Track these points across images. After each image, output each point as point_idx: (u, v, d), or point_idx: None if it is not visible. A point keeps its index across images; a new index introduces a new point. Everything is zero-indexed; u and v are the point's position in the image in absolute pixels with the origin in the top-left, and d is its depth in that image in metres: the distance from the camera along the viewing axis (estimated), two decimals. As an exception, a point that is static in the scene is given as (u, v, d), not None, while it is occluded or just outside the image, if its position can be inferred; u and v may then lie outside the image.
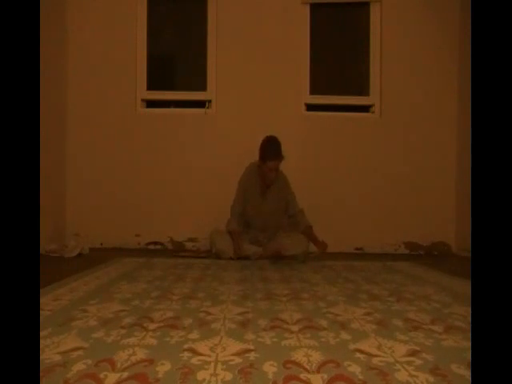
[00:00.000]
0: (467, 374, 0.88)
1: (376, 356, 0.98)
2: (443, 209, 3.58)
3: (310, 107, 3.68)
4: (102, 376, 0.84)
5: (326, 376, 0.86)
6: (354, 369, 0.90)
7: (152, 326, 1.20)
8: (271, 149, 2.78)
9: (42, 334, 1.11)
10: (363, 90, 3.72)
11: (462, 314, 1.40)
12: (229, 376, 0.85)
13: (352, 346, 1.05)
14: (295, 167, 3.39)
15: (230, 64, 3.59)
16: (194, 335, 1.12)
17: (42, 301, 1.49)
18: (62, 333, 1.13)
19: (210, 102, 3.65)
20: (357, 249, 3.57)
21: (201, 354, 0.97)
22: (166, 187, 3.59)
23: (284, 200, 2.96)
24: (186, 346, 1.03)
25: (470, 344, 1.06)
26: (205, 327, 1.20)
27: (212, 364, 0.91)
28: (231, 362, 0.92)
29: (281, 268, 2.48)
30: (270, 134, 2.88)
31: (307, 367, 0.90)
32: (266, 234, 2.99)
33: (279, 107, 3.56)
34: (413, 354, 1.00)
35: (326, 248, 2.83)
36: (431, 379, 0.85)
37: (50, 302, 1.48)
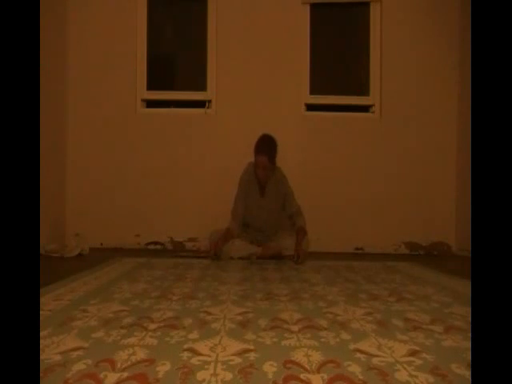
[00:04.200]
0: (467, 373, 0.88)
1: (376, 356, 0.98)
2: (443, 209, 3.58)
3: (310, 107, 3.68)
4: (101, 376, 0.84)
5: (326, 376, 0.86)
6: (354, 369, 0.89)
7: (152, 326, 1.20)
8: (259, 145, 2.84)
9: (42, 334, 1.11)
10: (363, 90, 3.72)
11: (462, 314, 1.40)
12: (229, 376, 0.85)
13: (352, 346, 1.04)
14: (295, 167, 3.40)
15: (229, 64, 3.59)
16: (194, 335, 1.12)
17: (41, 301, 1.49)
18: (62, 333, 1.13)
19: (209, 102, 3.65)
20: (357, 249, 3.57)
21: (201, 354, 0.97)
22: (166, 187, 3.59)
23: (282, 197, 2.95)
24: (186, 346, 1.03)
25: (469, 344, 1.06)
26: (205, 327, 1.20)
27: (212, 364, 0.91)
28: (231, 362, 0.92)
29: (281, 268, 2.48)
30: (267, 133, 2.90)
31: (307, 367, 0.90)
32: (265, 233, 2.99)
33: (279, 107, 3.56)
34: (413, 353, 1.00)
35: (300, 259, 2.62)
36: (431, 379, 0.85)
37: (50, 302, 1.48)
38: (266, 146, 2.83)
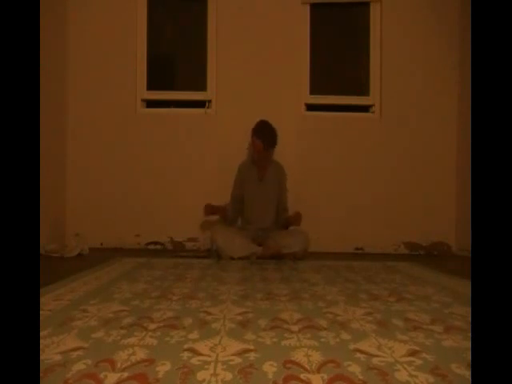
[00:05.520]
0: (467, 373, 0.88)
1: (376, 356, 0.98)
2: (443, 209, 3.58)
3: (310, 107, 3.68)
4: (102, 376, 0.84)
5: (325, 376, 0.86)
6: (354, 369, 0.89)
7: (152, 326, 1.20)
8: (255, 127, 2.98)
9: (41, 334, 1.11)
10: (363, 90, 3.72)
11: (462, 314, 1.40)
12: (229, 376, 0.85)
13: (352, 346, 1.04)
14: (295, 167, 3.40)
15: (230, 64, 3.59)
16: (194, 335, 1.12)
17: (41, 301, 1.49)
18: (62, 333, 1.13)
19: (209, 102, 3.64)
20: (357, 249, 3.57)
21: (201, 354, 0.97)
22: (165, 187, 3.59)
23: (278, 185, 3.06)
24: (186, 346, 1.03)
25: (470, 344, 1.06)
26: (205, 327, 1.20)
27: (212, 364, 0.91)
28: (231, 362, 0.92)
29: (281, 268, 2.48)
30: (264, 119, 3.02)
31: (307, 367, 0.90)
32: (264, 227, 3.00)
33: (279, 107, 3.56)
34: (413, 353, 1.00)
35: (300, 218, 2.89)
36: (431, 379, 0.85)
37: (50, 302, 1.48)
38: (260, 130, 2.96)
